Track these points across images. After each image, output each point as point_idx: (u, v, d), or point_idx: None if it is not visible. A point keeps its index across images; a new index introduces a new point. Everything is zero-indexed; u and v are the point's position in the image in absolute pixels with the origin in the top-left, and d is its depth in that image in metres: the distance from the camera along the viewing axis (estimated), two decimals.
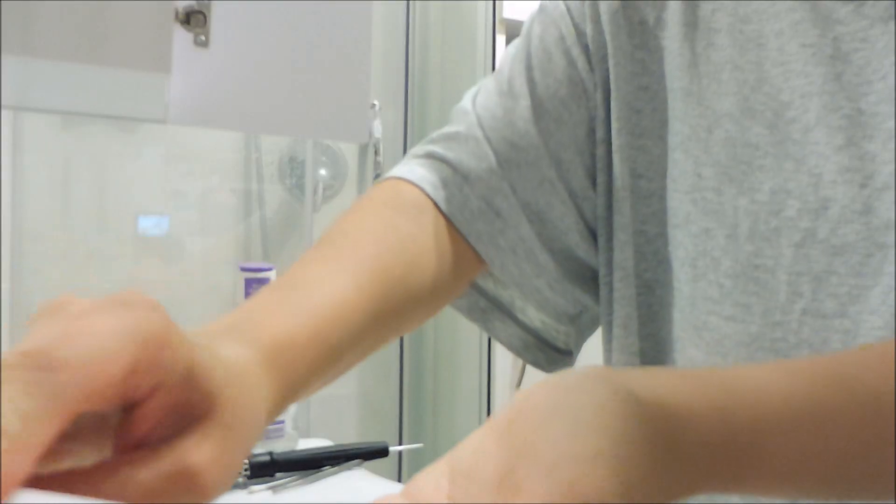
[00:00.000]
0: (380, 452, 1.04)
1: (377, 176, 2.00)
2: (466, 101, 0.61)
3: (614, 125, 0.59)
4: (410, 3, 2.06)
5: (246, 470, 0.93)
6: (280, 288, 0.46)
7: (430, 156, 0.59)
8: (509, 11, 1.90)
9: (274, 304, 0.44)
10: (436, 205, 0.57)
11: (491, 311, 0.63)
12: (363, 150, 2.06)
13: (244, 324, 0.41)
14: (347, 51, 0.98)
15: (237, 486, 0.93)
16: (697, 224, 0.57)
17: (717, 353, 0.55)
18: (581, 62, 0.59)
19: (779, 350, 0.52)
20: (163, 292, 1.77)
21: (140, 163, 1.83)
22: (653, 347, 0.60)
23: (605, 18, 0.59)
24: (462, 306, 0.63)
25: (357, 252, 0.50)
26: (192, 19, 0.86)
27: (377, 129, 1.97)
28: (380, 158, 2.01)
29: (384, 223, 0.54)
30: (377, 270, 0.49)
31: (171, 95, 0.86)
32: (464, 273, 0.59)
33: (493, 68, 1.89)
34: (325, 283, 0.47)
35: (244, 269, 1.08)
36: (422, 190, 0.57)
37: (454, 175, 0.58)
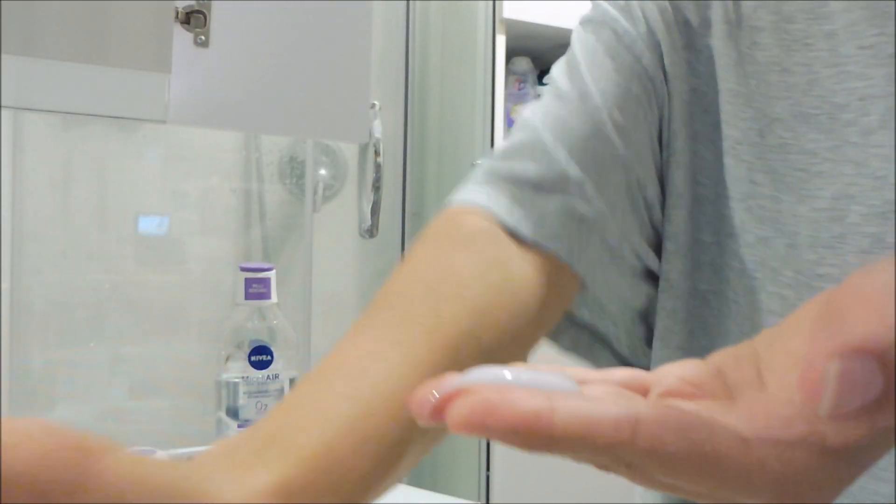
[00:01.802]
0: None
1: (377, 176, 2.00)
2: (525, 112, 0.57)
3: (672, 127, 0.57)
4: (410, 3, 2.06)
5: None
6: (321, 379, 0.41)
7: (493, 173, 0.53)
8: (509, 11, 1.90)
9: (311, 406, 0.39)
10: (508, 229, 0.51)
11: (594, 343, 0.59)
12: (363, 150, 2.06)
13: (280, 439, 0.36)
14: (347, 51, 0.98)
15: None
16: (753, 233, 0.55)
17: None
18: (646, 57, 0.56)
19: None
20: (163, 292, 1.77)
21: (140, 163, 1.83)
22: None
23: (652, 17, 0.57)
24: (565, 344, 0.58)
25: (412, 314, 0.44)
26: (192, 19, 0.86)
27: (377, 129, 1.97)
28: (380, 159, 2.01)
29: (445, 271, 0.47)
30: (438, 333, 0.43)
31: (171, 95, 0.86)
32: (556, 297, 0.53)
33: (493, 68, 1.89)
34: (374, 365, 0.41)
35: (244, 269, 1.08)
36: (490, 214, 0.51)
37: (522, 190, 0.52)
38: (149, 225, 1.83)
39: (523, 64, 2.08)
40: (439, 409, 0.25)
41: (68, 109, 1.43)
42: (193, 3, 0.85)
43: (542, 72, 2.10)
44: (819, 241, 0.52)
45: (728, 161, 0.56)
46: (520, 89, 2.05)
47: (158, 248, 1.85)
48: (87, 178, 1.76)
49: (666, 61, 0.56)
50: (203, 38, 0.87)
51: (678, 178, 0.57)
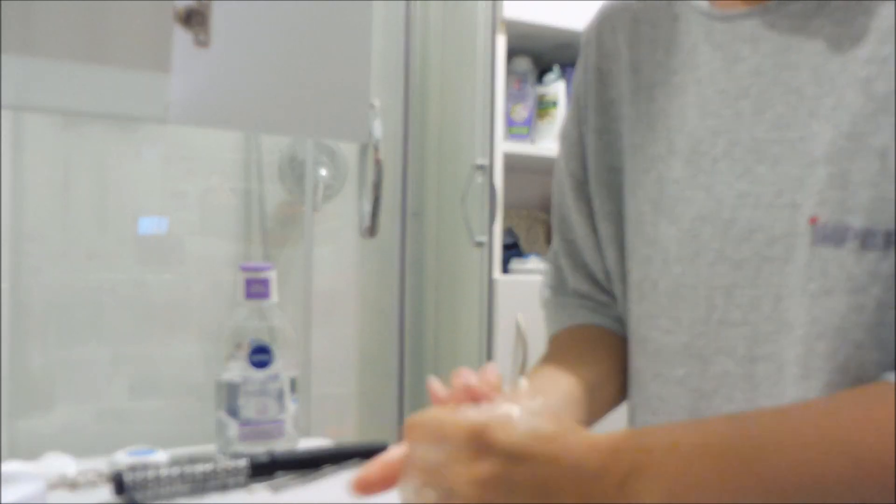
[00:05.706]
0: (380, 452, 1.04)
1: (377, 176, 2.00)
2: None
3: (596, 201, 0.78)
4: (410, 3, 2.06)
5: (246, 469, 0.93)
6: None
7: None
8: (509, 11, 1.90)
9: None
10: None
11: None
12: (363, 150, 2.06)
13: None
14: (347, 51, 0.98)
15: (237, 486, 0.93)
16: (640, 252, 0.68)
17: (657, 361, 0.67)
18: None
19: (704, 357, 0.62)
20: (163, 292, 1.77)
21: (140, 163, 1.82)
22: None
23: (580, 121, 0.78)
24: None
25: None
26: (192, 19, 0.86)
27: (377, 129, 1.96)
28: (380, 158, 2.01)
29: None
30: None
31: (171, 95, 0.86)
32: None
33: (493, 68, 1.89)
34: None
35: (244, 269, 1.08)
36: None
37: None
38: (149, 225, 1.83)
39: (523, 64, 2.07)
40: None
41: (68, 109, 1.43)
42: (193, 3, 0.85)
43: (542, 72, 2.10)
44: (683, 257, 0.64)
45: (628, 198, 0.71)
46: (520, 89, 2.05)
47: (158, 248, 1.85)
48: (87, 178, 1.76)
49: (587, 152, 0.75)
50: (203, 38, 0.87)
51: (604, 228, 0.74)
